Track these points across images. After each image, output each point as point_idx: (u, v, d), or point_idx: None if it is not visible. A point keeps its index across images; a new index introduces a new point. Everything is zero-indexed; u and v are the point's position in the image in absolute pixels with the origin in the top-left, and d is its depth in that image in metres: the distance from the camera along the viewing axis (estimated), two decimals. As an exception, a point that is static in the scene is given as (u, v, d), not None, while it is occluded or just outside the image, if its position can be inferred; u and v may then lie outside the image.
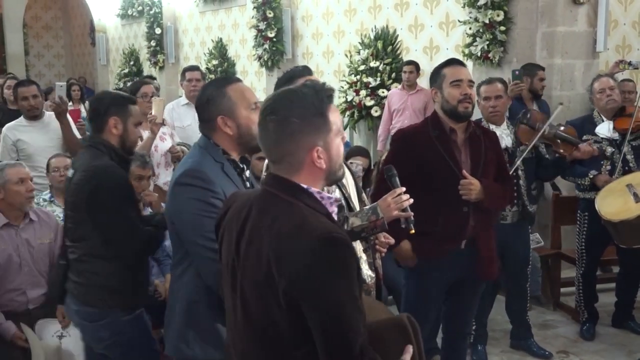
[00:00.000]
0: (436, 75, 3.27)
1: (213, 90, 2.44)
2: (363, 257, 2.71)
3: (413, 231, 2.49)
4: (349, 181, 2.85)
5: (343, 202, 2.72)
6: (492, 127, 4.07)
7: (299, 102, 1.71)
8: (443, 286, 3.37)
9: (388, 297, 3.98)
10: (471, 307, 3.53)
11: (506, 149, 4.06)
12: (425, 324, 3.32)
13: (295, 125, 1.69)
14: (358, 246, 2.67)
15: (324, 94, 1.74)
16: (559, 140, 4.32)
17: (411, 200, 2.56)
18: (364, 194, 3.04)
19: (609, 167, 4.44)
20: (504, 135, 4.10)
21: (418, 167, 3.16)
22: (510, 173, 4.03)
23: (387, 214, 2.50)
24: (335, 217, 1.84)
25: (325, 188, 2.62)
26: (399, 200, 2.53)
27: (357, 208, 2.77)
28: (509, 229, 4.15)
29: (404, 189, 2.56)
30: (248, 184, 2.52)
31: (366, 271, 2.74)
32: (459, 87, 3.16)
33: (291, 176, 1.73)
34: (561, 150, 4.32)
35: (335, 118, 1.76)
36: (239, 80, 2.55)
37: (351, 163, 4.29)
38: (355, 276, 1.65)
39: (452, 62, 3.29)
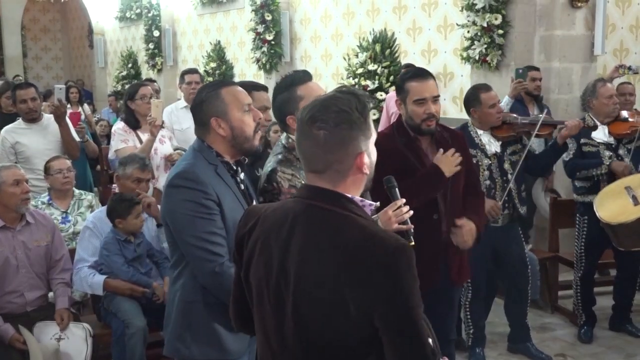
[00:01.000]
0: (401, 87, 3.20)
1: (207, 92, 2.47)
2: None
3: (412, 243, 2.50)
4: None
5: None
6: (480, 132, 4.09)
7: (346, 108, 1.71)
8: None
9: None
10: (449, 315, 3.44)
11: (495, 154, 4.08)
12: None
13: (345, 132, 1.69)
14: None
15: (365, 98, 1.75)
16: (537, 127, 4.22)
17: (411, 212, 2.57)
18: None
19: (607, 171, 4.45)
20: (493, 140, 4.11)
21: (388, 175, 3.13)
22: (498, 177, 4.06)
23: (387, 227, 2.53)
24: None
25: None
26: (399, 213, 2.55)
27: None
28: (500, 231, 4.13)
29: (403, 200, 2.57)
30: (242, 187, 2.53)
31: None
32: (423, 105, 3.09)
33: (335, 186, 1.73)
34: (544, 132, 4.29)
35: (371, 124, 1.78)
36: (233, 83, 2.57)
37: None
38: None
39: (417, 74, 3.17)
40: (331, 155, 1.70)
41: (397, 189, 2.59)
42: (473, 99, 4.12)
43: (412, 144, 3.17)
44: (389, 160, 3.08)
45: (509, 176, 4.10)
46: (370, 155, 1.75)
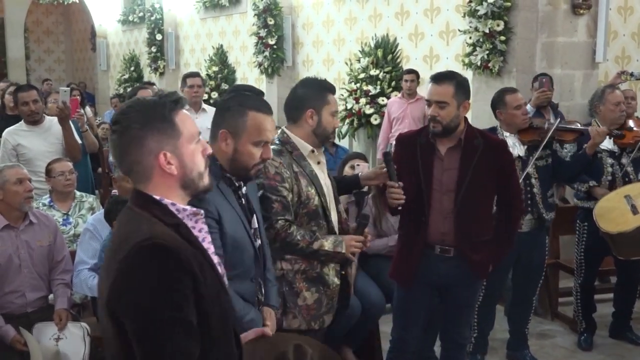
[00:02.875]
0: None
1: (237, 106, 2.45)
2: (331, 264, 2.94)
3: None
4: (329, 190, 3.00)
5: (320, 211, 2.89)
6: (507, 134, 4.05)
7: (140, 108, 1.68)
8: (428, 289, 3.38)
9: (386, 305, 3.99)
10: (463, 317, 3.47)
11: (519, 157, 4.04)
12: (413, 327, 3.43)
13: (136, 132, 1.65)
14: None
15: (167, 99, 1.70)
16: (561, 132, 4.21)
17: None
18: (341, 205, 3.19)
19: (609, 178, 4.43)
20: (518, 144, 4.09)
21: (405, 173, 3.20)
22: (520, 180, 4.03)
23: (347, 249, 2.87)
24: (201, 232, 1.76)
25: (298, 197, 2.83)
26: (359, 239, 2.92)
27: (334, 219, 2.99)
28: (525, 237, 4.05)
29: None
30: (243, 201, 2.53)
31: (332, 277, 2.94)
32: (429, 108, 3.22)
33: (145, 187, 1.69)
34: (569, 139, 4.24)
35: (188, 124, 1.71)
36: (263, 109, 2.51)
37: (358, 165, 4.29)
38: (181, 289, 1.54)
39: (433, 77, 3.27)
40: (128, 156, 1.68)
41: (394, 166, 3.00)
42: (499, 100, 4.12)
43: (428, 145, 3.24)
44: (405, 157, 3.28)
45: (533, 180, 4.05)
46: (181, 155, 1.68)
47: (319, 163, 2.99)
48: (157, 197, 1.67)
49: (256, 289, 2.58)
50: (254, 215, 2.58)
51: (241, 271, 2.46)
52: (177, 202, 1.70)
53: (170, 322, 1.51)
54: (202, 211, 1.77)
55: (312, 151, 2.94)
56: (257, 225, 2.59)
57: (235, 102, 2.46)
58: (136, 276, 1.52)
